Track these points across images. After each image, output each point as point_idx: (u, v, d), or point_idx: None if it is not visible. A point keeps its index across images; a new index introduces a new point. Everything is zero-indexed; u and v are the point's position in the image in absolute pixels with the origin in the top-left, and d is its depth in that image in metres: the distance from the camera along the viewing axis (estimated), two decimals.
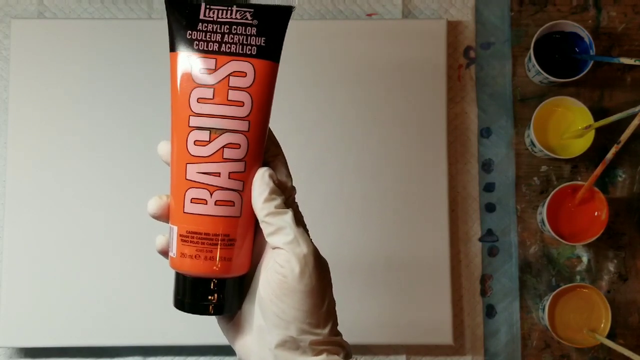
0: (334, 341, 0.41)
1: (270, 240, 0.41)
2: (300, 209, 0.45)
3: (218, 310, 0.41)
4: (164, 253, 0.43)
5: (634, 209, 0.81)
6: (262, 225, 0.41)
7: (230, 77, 0.38)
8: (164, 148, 0.42)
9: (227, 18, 0.39)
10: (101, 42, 0.79)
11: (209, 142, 0.39)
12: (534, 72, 0.78)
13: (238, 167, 0.39)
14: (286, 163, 0.43)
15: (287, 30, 0.40)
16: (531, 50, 0.77)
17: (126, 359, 0.77)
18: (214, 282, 0.40)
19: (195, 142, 0.39)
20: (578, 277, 0.80)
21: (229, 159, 0.39)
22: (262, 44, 0.39)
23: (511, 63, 0.82)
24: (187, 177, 0.39)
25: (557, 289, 0.75)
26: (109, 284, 0.77)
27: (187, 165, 0.39)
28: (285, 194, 0.42)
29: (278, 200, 0.41)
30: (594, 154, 0.79)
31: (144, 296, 0.76)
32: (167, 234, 0.43)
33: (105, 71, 0.79)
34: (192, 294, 0.41)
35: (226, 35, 0.39)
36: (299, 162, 0.79)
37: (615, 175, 0.81)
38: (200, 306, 0.41)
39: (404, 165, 0.79)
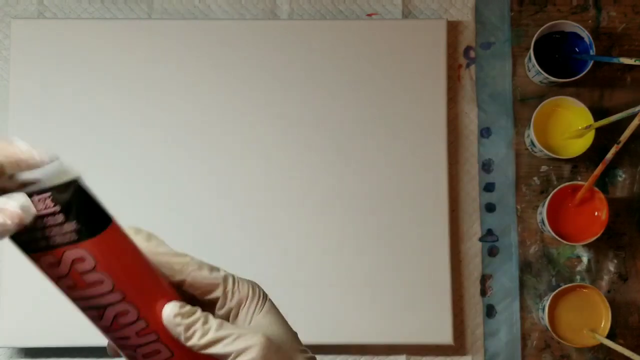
0: None
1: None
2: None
3: None
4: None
5: (634, 209, 0.81)
6: (209, 352, 0.39)
7: (74, 265, 0.37)
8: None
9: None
10: (101, 42, 0.79)
11: (102, 317, 0.38)
12: (534, 72, 0.78)
13: (139, 325, 0.39)
14: (203, 265, 0.41)
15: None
16: (531, 50, 0.77)
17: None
18: None
19: (94, 319, 0.39)
20: (578, 277, 0.80)
21: (126, 323, 0.39)
22: (75, 227, 0.37)
23: (511, 63, 0.82)
24: (114, 345, 0.40)
25: (557, 289, 0.75)
26: None
27: (107, 338, 0.40)
28: (223, 297, 0.41)
29: (198, 325, 0.39)
30: (594, 154, 0.79)
31: None
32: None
33: (105, 71, 0.79)
34: None
35: (45, 230, 0.36)
36: (298, 162, 0.79)
37: (615, 175, 0.81)
38: None
39: (404, 165, 0.79)
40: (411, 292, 0.77)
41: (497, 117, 0.81)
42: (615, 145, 0.71)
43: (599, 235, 0.75)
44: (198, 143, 0.79)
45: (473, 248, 0.80)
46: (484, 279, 0.80)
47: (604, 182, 0.81)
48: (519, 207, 0.81)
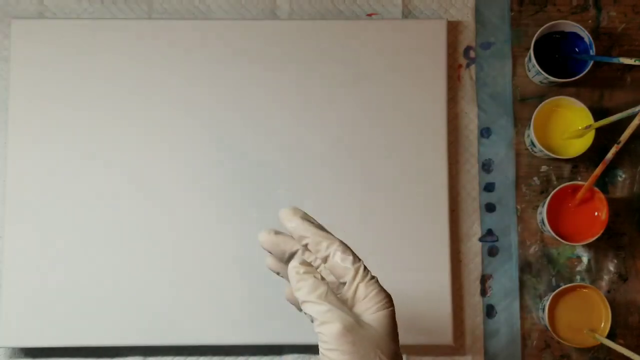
0: None
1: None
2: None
3: None
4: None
5: (634, 209, 0.81)
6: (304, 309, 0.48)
7: None
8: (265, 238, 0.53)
9: None
10: (101, 42, 0.79)
11: None
12: (534, 72, 0.78)
13: None
14: (344, 248, 0.50)
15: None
16: (531, 50, 0.77)
17: (126, 359, 0.78)
18: None
19: None
20: (578, 277, 0.80)
21: None
22: None
23: (511, 63, 0.82)
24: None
25: (557, 289, 0.75)
26: (109, 284, 0.77)
27: None
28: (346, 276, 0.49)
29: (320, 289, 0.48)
30: (594, 154, 0.79)
31: (144, 296, 0.76)
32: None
33: (105, 71, 0.79)
34: None
35: None
36: (298, 162, 0.79)
37: (615, 175, 0.81)
38: None
39: (404, 165, 0.79)
40: (411, 292, 0.77)
41: (497, 117, 0.81)
42: (615, 145, 0.71)
43: (599, 235, 0.75)
44: (198, 142, 0.79)
45: (473, 248, 0.80)
46: (484, 279, 0.80)
47: (604, 182, 0.81)
48: (519, 207, 0.81)
